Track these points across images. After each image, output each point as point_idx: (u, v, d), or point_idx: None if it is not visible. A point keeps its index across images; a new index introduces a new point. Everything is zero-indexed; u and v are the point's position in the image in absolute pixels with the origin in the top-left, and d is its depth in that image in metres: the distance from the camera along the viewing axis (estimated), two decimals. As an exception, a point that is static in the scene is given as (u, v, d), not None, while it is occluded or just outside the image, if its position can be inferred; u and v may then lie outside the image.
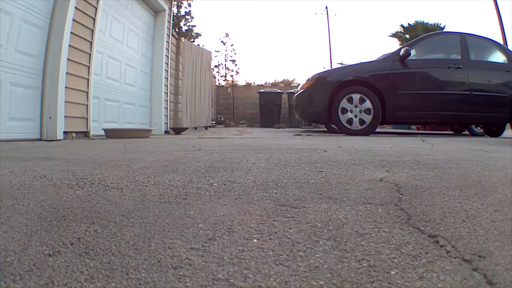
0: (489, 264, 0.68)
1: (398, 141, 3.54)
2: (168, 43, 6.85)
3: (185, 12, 17.04)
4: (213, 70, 17.58)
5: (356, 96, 4.99)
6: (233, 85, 15.67)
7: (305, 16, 50.73)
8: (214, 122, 12.02)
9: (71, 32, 3.88)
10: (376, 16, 44.53)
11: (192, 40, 16.37)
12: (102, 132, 4.56)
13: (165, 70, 6.69)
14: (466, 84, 5.19)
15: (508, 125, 5.91)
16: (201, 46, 11.60)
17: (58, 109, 3.74)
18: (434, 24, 15.30)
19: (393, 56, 5.26)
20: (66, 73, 3.86)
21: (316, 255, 0.73)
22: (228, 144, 3.14)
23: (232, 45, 21.10)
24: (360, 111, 4.99)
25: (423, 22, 15.51)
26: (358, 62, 6.78)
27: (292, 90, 10.19)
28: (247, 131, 7.32)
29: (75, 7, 3.94)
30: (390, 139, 4.12)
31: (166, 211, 1.03)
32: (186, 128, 7.15)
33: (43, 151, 2.45)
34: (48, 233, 0.86)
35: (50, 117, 3.71)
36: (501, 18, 12.60)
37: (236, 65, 20.19)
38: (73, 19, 3.93)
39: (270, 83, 16.03)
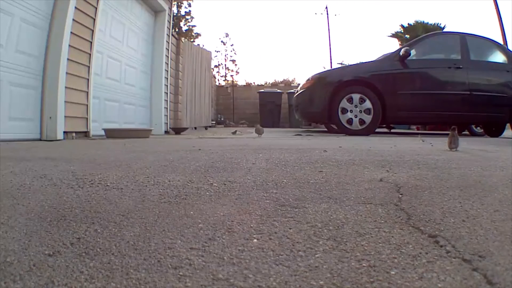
0: (489, 264, 0.68)
1: (398, 141, 3.54)
2: (168, 43, 6.85)
3: (185, 12, 17.02)
4: (213, 70, 17.58)
5: (356, 96, 4.99)
6: (233, 85, 15.66)
7: (305, 16, 50.64)
8: (214, 122, 12.01)
9: (71, 32, 3.88)
10: (376, 16, 44.45)
11: (192, 40, 16.35)
12: (102, 132, 4.56)
13: (165, 70, 6.69)
14: (466, 84, 5.19)
15: (508, 125, 5.91)
16: (201, 46, 11.61)
17: (58, 109, 3.73)
18: (434, 24, 15.30)
19: (393, 56, 5.26)
20: (66, 73, 3.86)
21: (316, 255, 0.73)
22: (228, 144, 3.14)
23: (232, 45, 21.07)
24: (360, 111, 4.99)
25: (423, 22, 15.51)
26: (358, 62, 6.78)
27: (292, 90, 10.19)
28: (247, 131, 7.32)
29: (75, 7, 3.93)
30: (390, 139, 4.12)
31: (166, 211, 1.03)
32: (186, 128, 7.15)
33: (43, 151, 2.45)
34: (48, 233, 0.86)
35: (50, 117, 3.71)
36: (501, 18, 12.60)
37: (236, 65, 20.20)
38: (73, 19, 3.92)
39: (270, 83, 16.04)
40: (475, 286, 0.60)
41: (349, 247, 0.77)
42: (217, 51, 19.93)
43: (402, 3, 45.02)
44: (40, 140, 3.67)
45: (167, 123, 6.85)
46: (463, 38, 5.40)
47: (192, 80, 8.26)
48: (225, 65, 20.07)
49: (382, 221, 0.94)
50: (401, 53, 5.13)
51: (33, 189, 1.27)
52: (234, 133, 5.98)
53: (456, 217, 0.97)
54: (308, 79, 5.70)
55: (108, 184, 1.36)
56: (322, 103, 5.18)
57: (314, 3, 51.90)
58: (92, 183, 1.37)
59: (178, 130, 6.60)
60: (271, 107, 11.65)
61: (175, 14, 14.20)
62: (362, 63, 6.00)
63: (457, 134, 2.55)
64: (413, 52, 5.27)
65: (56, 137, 3.70)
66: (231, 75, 19.68)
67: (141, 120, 6.24)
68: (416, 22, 15.63)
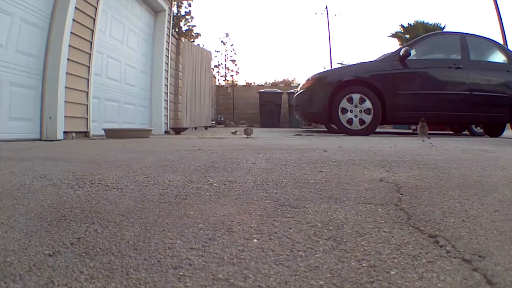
0: (489, 264, 0.68)
1: (398, 141, 3.54)
2: (168, 43, 6.85)
3: (185, 12, 17.01)
4: (213, 70, 17.56)
5: (356, 96, 4.99)
6: (233, 85, 15.66)
7: (305, 16, 50.63)
8: (214, 122, 12.01)
9: (71, 32, 3.88)
10: (376, 16, 44.43)
11: (192, 40, 16.34)
12: (102, 132, 4.56)
13: (165, 70, 6.69)
14: (466, 84, 5.19)
15: (508, 125, 5.91)
16: (201, 46, 11.60)
17: (58, 109, 3.73)
18: (434, 24, 15.29)
19: (393, 56, 5.26)
20: (66, 73, 3.86)
21: (316, 255, 0.73)
22: (228, 144, 3.14)
23: (232, 45, 21.06)
24: (360, 111, 4.99)
25: (423, 22, 15.50)
26: (358, 62, 6.79)
27: (292, 90, 10.19)
28: (247, 131, 7.30)
29: (75, 7, 3.93)
30: (390, 139, 4.12)
31: (166, 211, 1.03)
32: (186, 128, 7.15)
33: (43, 151, 2.45)
34: (48, 233, 0.86)
35: (50, 117, 3.71)
36: (501, 18, 12.60)
37: (236, 65, 20.16)
38: (73, 19, 3.92)
39: (270, 83, 16.03)
40: (475, 286, 0.60)
41: (349, 247, 0.77)
42: (217, 51, 19.92)
43: (402, 3, 45.02)
44: (40, 140, 3.67)
45: (167, 123, 6.85)
46: (463, 38, 5.40)
47: (192, 80, 8.26)
48: (225, 65, 20.05)
49: (382, 221, 0.94)
50: (401, 53, 5.13)
51: (33, 189, 1.27)
52: (234, 133, 5.98)
53: (456, 217, 0.97)
54: (308, 79, 5.70)
55: (108, 184, 1.36)
56: (322, 103, 5.18)
57: (314, 3, 51.91)
58: (92, 183, 1.37)
59: (178, 130, 6.60)
60: (271, 107, 11.66)
61: (175, 14, 14.20)
62: (362, 63, 6.00)
63: (426, 126, 2.53)
64: (413, 52, 5.27)
65: (56, 137, 3.70)
66: (231, 75, 19.66)
67: (141, 120, 6.24)
68: (416, 22, 15.63)
